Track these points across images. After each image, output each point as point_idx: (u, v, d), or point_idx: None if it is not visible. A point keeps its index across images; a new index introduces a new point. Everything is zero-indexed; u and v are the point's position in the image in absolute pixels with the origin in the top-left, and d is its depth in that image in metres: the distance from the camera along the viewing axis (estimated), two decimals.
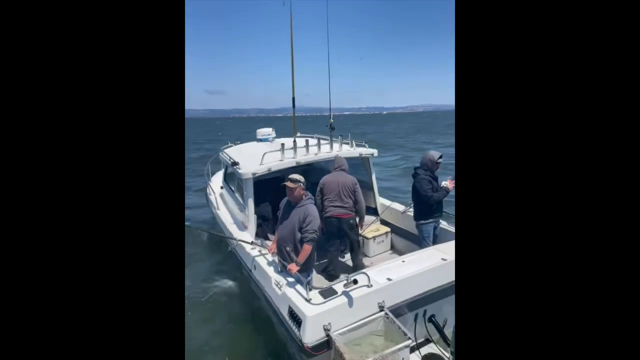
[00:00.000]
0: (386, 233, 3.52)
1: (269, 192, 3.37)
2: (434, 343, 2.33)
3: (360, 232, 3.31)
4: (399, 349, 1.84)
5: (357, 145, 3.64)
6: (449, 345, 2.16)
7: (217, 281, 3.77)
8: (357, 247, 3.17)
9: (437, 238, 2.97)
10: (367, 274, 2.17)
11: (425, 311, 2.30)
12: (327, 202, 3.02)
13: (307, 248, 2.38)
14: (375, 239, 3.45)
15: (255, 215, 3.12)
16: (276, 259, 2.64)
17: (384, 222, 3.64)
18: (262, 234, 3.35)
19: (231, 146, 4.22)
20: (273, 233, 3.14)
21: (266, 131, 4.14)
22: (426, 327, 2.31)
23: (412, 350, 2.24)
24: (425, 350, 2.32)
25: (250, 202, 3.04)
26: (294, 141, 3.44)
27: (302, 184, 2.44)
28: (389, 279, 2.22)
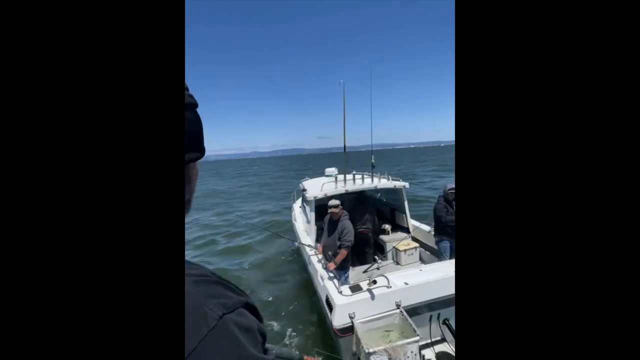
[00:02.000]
0: (415, 247, 4.14)
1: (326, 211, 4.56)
2: (448, 343, 2.67)
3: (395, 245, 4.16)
4: (408, 343, 2.21)
5: (393, 179, 4.62)
6: None
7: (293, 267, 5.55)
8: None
9: (453, 253, 3.54)
10: (387, 277, 2.66)
11: (439, 314, 2.70)
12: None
13: (343, 252, 3.14)
14: (405, 252, 4.04)
15: (315, 227, 4.36)
16: (322, 259, 3.51)
17: (414, 239, 4.38)
18: (319, 240, 4.38)
19: (307, 179, 5.87)
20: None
21: (330, 170, 5.89)
22: (440, 329, 2.71)
23: (427, 346, 2.67)
24: (439, 348, 2.68)
25: (312, 217, 4.29)
26: (344, 176, 4.76)
27: (340, 206, 3.35)
28: (406, 283, 2.67)
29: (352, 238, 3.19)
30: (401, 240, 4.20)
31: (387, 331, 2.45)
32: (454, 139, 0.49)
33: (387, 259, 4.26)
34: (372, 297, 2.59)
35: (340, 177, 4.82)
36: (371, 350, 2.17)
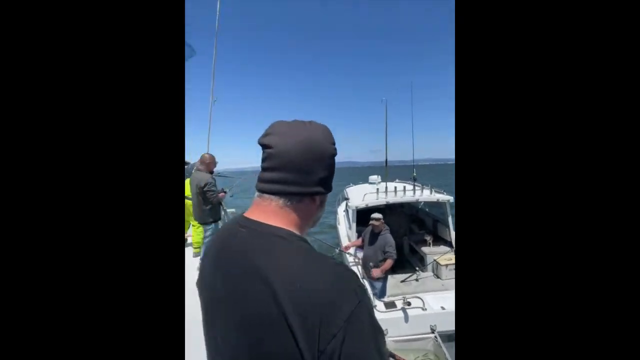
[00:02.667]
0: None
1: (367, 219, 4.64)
2: None
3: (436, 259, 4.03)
4: None
5: (436, 192, 4.46)
6: None
7: None
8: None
9: None
10: (422, 299, 2.57)
11: None
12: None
13: (389, 262, 3.22)
14: (447, 267, 3.85)
15: (357, 233, 4.42)
16: (361, 270, 3.57)
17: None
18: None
19: (351, 186, 5.90)
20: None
21: (374, 178, 5.80)
22: None
23: None
24: None
25: (354, 225, 4.41)
26: (386, 186, 4.73)
27: (381, 220, 3.39)
28: (442, 308, 2.55)
29: (395, 250, 3.28)
30: (443, 254, 4.03)
31: (422, 357, 2.40)
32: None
33: (427, 271, 4.11)
34: (406, 318, 2.55)
35: (383, 185, 4.81)
36: None
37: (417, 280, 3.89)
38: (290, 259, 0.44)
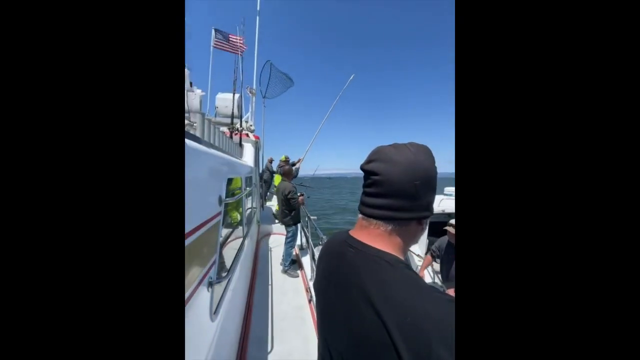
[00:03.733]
0: None
1: (435, 228, 4.27)
2: None
3: None
4: None
5: None
6: None
7: None
8: None
9: None
10: None
11: None
12: None
13: None
14: None
15: (427, 240, 4.12)
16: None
17: None
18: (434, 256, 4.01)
19: None
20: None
21: (451, 189, 5.21)
22: None
23: None
24: None
25: (425, 231, 3.80)
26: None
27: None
28: None
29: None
30: None
31: None
32: None
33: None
34: None
35: (449, 196, 4.28)
36: None
37: None
38: (398, 289, 0.45)
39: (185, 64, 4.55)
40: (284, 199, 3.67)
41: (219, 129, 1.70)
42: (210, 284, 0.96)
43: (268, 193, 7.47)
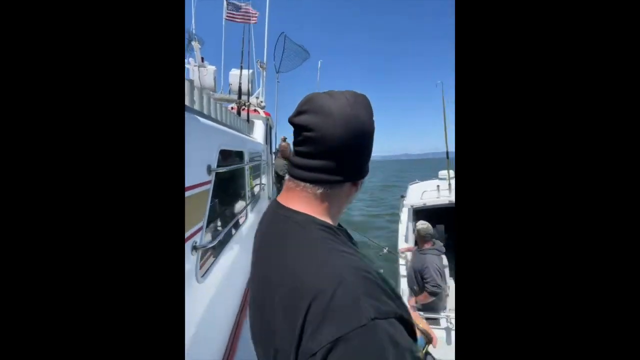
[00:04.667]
0: None
1: (428, 215, 4.13)
2: None
3: None
4: None
5: None
6: None
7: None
8: None
9: None
10: None
11: None
12: None
13: (426, 295, 2.35)
14: None
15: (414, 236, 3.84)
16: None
17: None
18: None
19: (417, 182, 4.97)
20: None
21: (444, 173, 4.70)
22: None
23: None
24: None
25: (410, 225, 3.70)
26: (449, 182, 3.80)
27: (428, 232, 2.50)
28: None
29: (438, 282, 2.25)
30: None
31: None
32: None
33: None
34: (449, 340, 1.98)
35: (443, 182, 3.95)
36: None
37: None
38: (298, 254, 0.42)
39: (196, 37, 4.48)
40: (276, 177, 3.53)
41: (219, 103, 1.68)
42: (195, 248, 1.00)
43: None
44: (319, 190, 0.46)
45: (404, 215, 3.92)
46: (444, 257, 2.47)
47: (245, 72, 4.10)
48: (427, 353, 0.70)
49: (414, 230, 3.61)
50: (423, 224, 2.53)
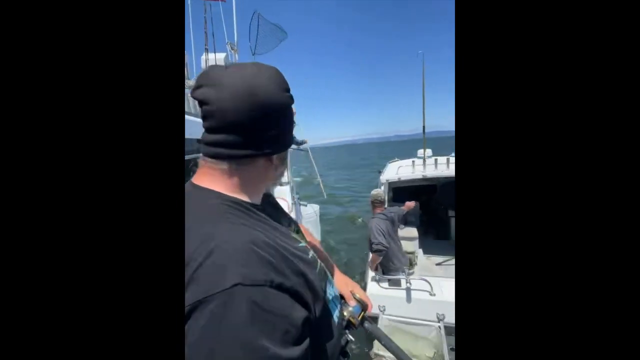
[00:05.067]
0: None
1: (404, 195, 4.24)
2: None
3: None
4: None
5: None
6: None
7: None
8: None
9: None
10: (430, 283, 2.16)
11: None
12: None
13: (373, 257, 2.58)
14: None
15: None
16: None
17: None
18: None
19: (396, 160, 5.09)
20: (404, 223, 3.88)
21: (421, 152, 4.86)
22: None
23: None
24: None
25: (385, 200, 3.84)
26: (424, 158, 3.98)
27: (378, 198, 2.74)
28: None
29: (379, 240, 2.46)
30: None
31: (422, 340, 2.06)
32: None
33: None
34: (409, 299, 2.19)
35: (418, 160, 4.16)
36: (381, 353, 1.90)
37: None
38: (194, 232, 0.40)
39: None
40: None
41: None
42: None
43: None
44: (224, 166, 0.45)
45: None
46: (392, 222, 2.67)
47: (219, 56, 3.95)
48: (364, 318, 0.74)
49: (389, 204, 3.81)
50: (375, 191, 2.74)
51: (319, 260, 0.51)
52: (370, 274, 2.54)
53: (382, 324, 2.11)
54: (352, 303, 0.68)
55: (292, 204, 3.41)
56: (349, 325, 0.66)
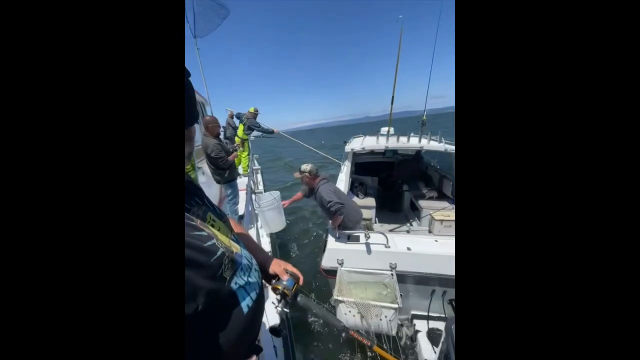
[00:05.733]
0: (454, 220, 3.40)
1: (365, 170, 4.69)
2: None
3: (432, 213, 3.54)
4: (384, 307, 1.92)
5: (446, 143, 3.68)
6: None
7: None
8: None
9: None
10: (386, 236, 2.31)
11: (445, 292, 2.27)
12: None
13: (337, 217, 2.60)
14: (442, 222, 3.40)
15: (350, 179, 4.15)
16: None
17: None
18: (354, 191, 4.26)
19: (360, 136, 5.25)
20: (364, 194, 4.13)
21: (385, 129, 5.04)
22: (444, 307, 2.32)
23: (424, 318, 2.37)
24: (434, 324, 2.30)
25: (347, 170, 4.03)
26: (388, 130, 4.35)
27: (306, 171, 2.67)
28: (408, 248, 2.26)
29: (334, 200, 2.51)
30: (441, 209, 3.52)
31: (375, 287, 2.19)
32: None
33: (420, 225, 3.74)
34: (369, 251, 2.32)
35: (384, 135, 4.38)
36: (340, 298, 2.00)
37: (408, 232, 3.60)
38: None
39: None
40: (208, 160, 3.14)
41: None
42: None
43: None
44: None
45: (346, 163, 4.26)
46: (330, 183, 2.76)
47: None
48: (299, 290, 0.81)
49: (351, 174, 4.03)
50: (305, 165, 2.71)
51: (221, 250, 0.51)
52: (332, 233, 2.62)
53: (339, 275, 2.21)
54: (285, 277, 0.77)
55: (248, 192, 3.35)
56: (284, 296, 0.75)
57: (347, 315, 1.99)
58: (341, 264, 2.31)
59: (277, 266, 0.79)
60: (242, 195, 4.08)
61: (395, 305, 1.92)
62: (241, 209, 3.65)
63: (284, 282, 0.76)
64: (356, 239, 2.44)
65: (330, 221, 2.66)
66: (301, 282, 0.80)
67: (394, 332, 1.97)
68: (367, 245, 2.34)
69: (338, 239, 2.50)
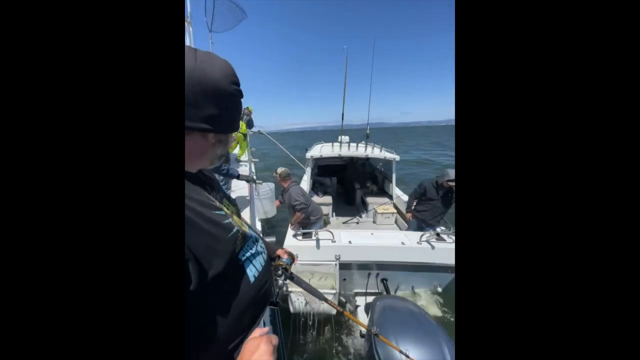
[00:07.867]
0: (392, 213, 4.26)
1: (326, 171, 5.74)
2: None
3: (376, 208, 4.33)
4: (324, 292, 2.43)
5: (386, 151, 4.72)
6: None
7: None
8: None
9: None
10: (332, 232, 2.80)
11: (378, 274, 2.89)
12: None
13: (297, 214, 3.17)
14: (383, 215, 4.21)
15: (312, 180, 4.94)
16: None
17: (395, 207, 4.51)
18: (315, 190, 5.06)
19: (322, 143, 6.12)
20: (323, 193, 4.93)
21: (345, 138, 5.73)
22: (377, 286, 2.96)
23: (363, 295, 2.99)
24: (370, 299, 2.91)
25: (309, 173, 4.83)
26: (340, 141, 5.21)
27: (278, 176, 3.24)
28: (349, 242, 2.77)
29: (301, 200, 3.12)
30: (382, 204, 4.42)
31: (324, 276, 2.67)
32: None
33: (368, 217, 4.57)
34: (318, 246, 2.77)
35: (337, 144, 5.31)
36: (291, 289, 2.43)
37: (357, 223, 4.38)
38: None
39: None
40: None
41: None
42: None
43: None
44: None
45: (308, 168, 4.98)
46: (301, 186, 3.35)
47: None
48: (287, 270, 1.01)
49: (312, 177, 4.71)
50: (280, 169, 3.29)
51: (236, 227, 0.57)
52: (290, 232, 3.04)
53: (294, 267, 2.65)
54: (285, 256, 1.06)
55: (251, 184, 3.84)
56: (285, 270, 0.97)
57: (296, 303, 2.45)
58: (297, 258, 2.75)
59: (280, 250, 1.03)
60: (235, 182, 4.48)
61: (334, 291, 2.41)
62: (234, 195, 3.95)
63: (284, 260, 1.03)
64: (309, 236, 2.88)
65: (292, 217, 3.20)
66: (296, 261, 1.05)
67: (334, 312, 2.49)
68: (317, 241, 2.79)
69: (294, 236, 2.92)
